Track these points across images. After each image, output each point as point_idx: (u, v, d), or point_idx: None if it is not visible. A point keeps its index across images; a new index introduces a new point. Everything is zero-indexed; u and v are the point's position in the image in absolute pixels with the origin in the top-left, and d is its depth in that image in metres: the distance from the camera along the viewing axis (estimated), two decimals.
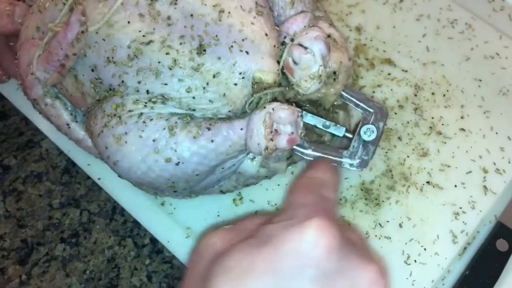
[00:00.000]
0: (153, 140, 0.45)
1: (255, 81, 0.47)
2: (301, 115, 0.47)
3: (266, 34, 0.48)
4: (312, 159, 0.52)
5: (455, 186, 0.56)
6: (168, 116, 0.46)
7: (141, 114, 0.46)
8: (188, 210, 0.54)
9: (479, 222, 0.54)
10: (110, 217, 0.56)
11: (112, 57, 0.46)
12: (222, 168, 0.48)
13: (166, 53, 0.45)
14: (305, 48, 0.49)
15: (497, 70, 0.61)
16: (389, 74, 0.61)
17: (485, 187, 0.55)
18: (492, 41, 0.63)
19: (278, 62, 0.50)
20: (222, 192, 0.53)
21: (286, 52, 0.49)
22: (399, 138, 0.58)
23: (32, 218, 0.56)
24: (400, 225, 0.54)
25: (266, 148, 0.45)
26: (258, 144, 0.45)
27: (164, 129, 0.45)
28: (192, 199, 0.53)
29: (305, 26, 0.50)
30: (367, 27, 0.64)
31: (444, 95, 0.60)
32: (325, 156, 0.52)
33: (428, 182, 0.56)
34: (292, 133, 0.46)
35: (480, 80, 0.61)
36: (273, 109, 0.46)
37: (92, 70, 0.47)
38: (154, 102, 0.46)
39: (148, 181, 0.47)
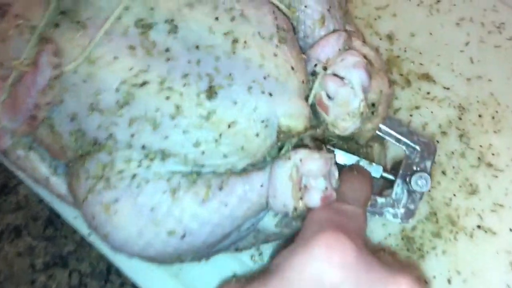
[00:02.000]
0: (151, 209, 0.36)
1: (281, 129, 0.37)
2: (335, 161, 0.38)
3: (293, 68, 0.38)
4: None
5: (510, 230, 0.48)
6: (169, 175, 0.37)
7: (135, 175, 0.37)
8: (197, 270, 0.46)
9: None
10: (104, 278, 0.48)
11: (97, 104, 0.36)
12: (239, 231, 0.39)
13: (166, 98, 0.36)
14: (342, 78, 0.39)
15: None
16: (428, 93, 0.52)
17: None
18: None
19: (307, 98, 0.40)
20: (238, 250, 0.44)
21: (318, 84, 0.40)
22: (443, 173, 0.49)
23: (11, 283, 0.48)
24: (449, 281, 0.46)
25: (295, 209, 0.37)
26: (284, 205, 0.37)
27: (164, 192, 0.36)
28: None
29: (339, 50, 0.40)
30: (399, 35, 0.54)
31: (493, 118, 0.51)
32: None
33: (478, 226, 0.48)
34: (327, 188, 0.37)
35: None
36: (300, 160, 0.36)
37: (72, 120, 0.37)
38: (151, 159, 0.37)
39: (148, 256, 0.38)
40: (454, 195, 0.49)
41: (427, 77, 0.53)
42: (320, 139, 0.43)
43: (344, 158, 0.45)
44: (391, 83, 0.43)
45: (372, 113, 0.42)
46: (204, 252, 0.40)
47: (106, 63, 0.36)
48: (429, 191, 0.44)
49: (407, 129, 0.45)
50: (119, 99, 0.36)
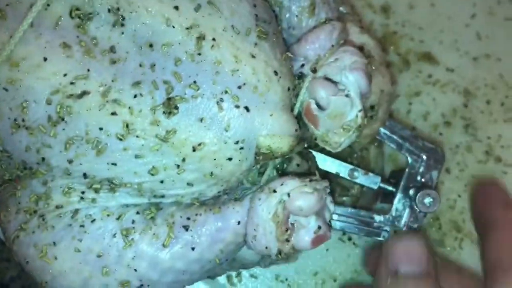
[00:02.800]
0: (98, 255, 0.29)
1: (260, 150, 0.30)
2: (330, 192, 0.31)
3: (276, 72, 0.30)
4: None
5: None
6: (121, 210, 0.30)
7: (76, 211, 0.30)
8: None
9: None
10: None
11: (23, 119, 0.28)
12: (212, 269, 0.33)
13: (112, 113, 0.28)
14: (335, 83, 0.31)
15: None
16: (429, 76, 0.45)
17: None
18: None
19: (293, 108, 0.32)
20: (210, 277, 0.37)
21: (306, 90, 0.32)
22: (447, 171, 0.43)
23: None
24: None
25: (279, 252, 0.30)
26: (267, 248, 0.30)
27: (114, 235, 0.29)
28: None
29: (332, 46, 0.32)
30: (396, 6, 0.46)
31: (502, 104, 0.45)
32: (356, 227, 0.37)
33: None
34: (319, 227, 0.30)
35: None
36: (288, 194, 0.29)
37: None
38: (96, 191, 0.29)
39: None
40: (459, 196, 0.43)
41: (428, 57, 0.45)
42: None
43: (336, 166, 0.38)
44: (394, 78, 0.36)
45: (371, 117, 0.35)
46: None
47: (33, 67, 0.28)
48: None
49: (411, 133, 0.38)
50: (52, 114, 0.28)
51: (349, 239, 0.42)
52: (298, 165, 0.33)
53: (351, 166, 0.37)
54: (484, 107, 0.44)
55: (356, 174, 0.37)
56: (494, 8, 0.46)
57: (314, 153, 0.37)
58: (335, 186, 0.39)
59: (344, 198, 0.40)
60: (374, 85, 0.34)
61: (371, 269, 0.38)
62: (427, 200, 0.36)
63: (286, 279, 0.40)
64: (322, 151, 0.37)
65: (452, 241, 0.42)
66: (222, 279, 0.40)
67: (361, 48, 0.35)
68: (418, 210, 0.37)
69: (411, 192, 0.37)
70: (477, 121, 0.44)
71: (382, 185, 0.38)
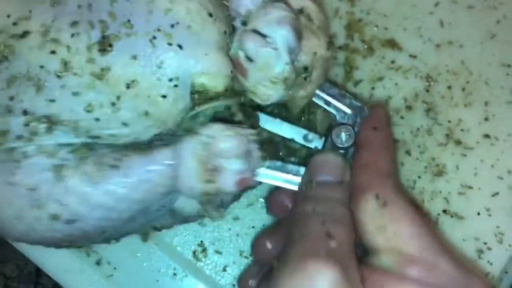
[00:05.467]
0: (30, 189, 0.31)
1: (195, 89, 0.31)
2: (256, 138, 0.33)
3: (211, 14, 0.32)
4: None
5: (478, 213, 0.44)
6: (54, 149, 0.31)
7: (12, 149, 0.31)
8: (133, 269, 0.41)
9: (508, 260, 0.43)
10: (34, 281, 0.42)
11: None
12: (145, 213, 0.34)
13: (51, 52, 0.30)
14: (264, 36, 0.33)
15: None
16: (392, 61, 0.46)
17: None
18: None
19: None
20: (157, 229, 0.39)
21: (236, 42, 0.34)
22: (407, 153, 0.45)
23: None
24: None
25: (204, 193, 0.32)
26: (191, 188, 0.32)
27: (46, 171, 0.31)
28: (138, 255, 0.40)
29: (263, 1, 0.34)
30: None
31: (463, 89, 0.46)
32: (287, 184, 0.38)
33: (444, 211, 0.44)
34: (243, 170, 0.32)
35: (509, 66, 0.47)
36: (212, 137, 0.31)
37: None
38: (33, 133, 0.31)
39: (34, 241, 0.33)
40: (419, 177, 0.44)
41: (392, 43, 0.47)
42: (252, 105, 0.37)
43: (289, 130, 0.39)
44: (332, 45, 0.37)
45: (305, 78, 0.36)
46: (103, 239, 0.35)
47: None
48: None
49: (338, 91, 0.39)
50: None
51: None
52: (240, 121, 0.34)
53: (305, 131, 0.39)
54: (445, 92, 0.46)
55: (310, 138, 0.39)
56: None
57: (270, 117, 0.38)
58: (282, 148, 0.40)
59: (292, 159, 0.41)
60: (308, 47, 0.35)
61: (273, 207, 0.39)
62: (343, 136, 0.37)
63: (250, 255, 0.42)
64: (271, 114, 0.39)
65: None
66: (188, 254, 0.42)
67: (300, 11, 0.36)
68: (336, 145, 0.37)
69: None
70: (438, 106, 0.46)
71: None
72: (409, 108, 0.45)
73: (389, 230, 0.31)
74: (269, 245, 0.37)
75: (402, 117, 0.45)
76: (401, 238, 0.31)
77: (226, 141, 0.32)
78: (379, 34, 0.47)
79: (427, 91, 0.46)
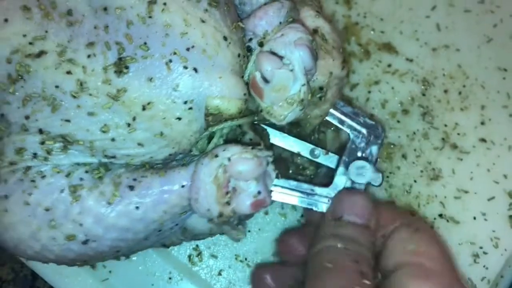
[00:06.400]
0: (46, 209, 0.31)
1: (209, 111, 0.31)
2: (272, 160, 0.33)
3: (225, 38, 0.32)
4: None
5: (474, 218, 0.44)
6: (71, 169, 0.32)
7: (29, 168, 0.31)
8: (129, 273, 0.41)
9: (504, 264, 0.43)
10: (29, 284, 0.43)
11: None
12: (159, 231, 0.34)
13: (67, 72, 0.30)
14: (280, 57, 0.33)
15: None
16: (389, 65, 0.46)
17: (511, 217, 0.44)
18: None
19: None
20: (165, 246, 0.39)
21: (253, 63, 0.34)
22: (404, 156, 0.45)
23: None
24: None
25: (221, 215, 0.32)
26: (208, 210, 0.32)
27: (62, 191, 0.31)
28: (133, 259, 0.40)
29: (280, 23, 0.34)
30: None
31: (460, 93, 0.46)
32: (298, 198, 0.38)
33: (440, 216, 0.44)
34: (259, 192, 0.32)
35: (505, 70, 0.47)
36: (229, 159, 0.31)
37: None
38: (49, 151, 0.31)
39: (48, 260, 0.33)
40: (415, 181, 0.44)
41: (388, 47, 0.47)
42: (263, 123, 0.38)
43: (296, 145, 0.39)
44: (346, 64, 0.37)
45: (320, 98, 0.36)
46: (115, 256, 0.35)
47: None
48: (380, 185, 0.39)
49: (352, 109, 0.40)
50: (11, 73, 0.30)
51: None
52: (251, 139, 0.34)
53: (312, 146, 0.39)
54: (441, 96, 0.46)
55: (316, 153, 0.39)
56: (454, 0, 0.48)
57: (278, 132, 0.39)
58: (291, 165, 0.41)
59: (300, 177, 0.41)
60: (323, 67, 0.35)
61: (283, 250, 0.39)
62: (360, 171, 0.38)
63: (246, 259, 0.42)
64: (282, 131, 0.39)
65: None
66: (183, 258, 0.42)
67: (315, 31, 0.36)
68: (352, 180, 0.38)
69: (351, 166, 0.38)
70: (434, 109, 0.46)
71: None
72: (405, 112, 0.45)
73: (419, 250, 0.32)
74: (296, 244, 0.38)
75: (398, 121, 0.45)
76: (429, 255, 0.32)
77: (244, 163, 0.31)
78: (375, 38, 0.47)
79: (424, 95, 0.46)
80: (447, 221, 0.44)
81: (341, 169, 0.39)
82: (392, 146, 0.45)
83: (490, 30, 0.47)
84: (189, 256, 0.42)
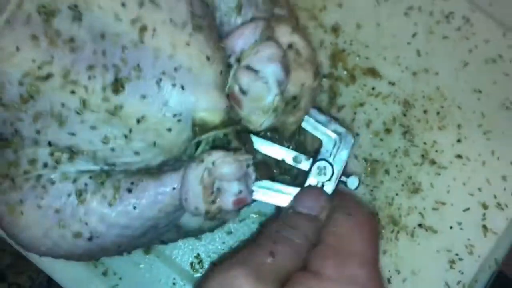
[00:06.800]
0: (56, 211, 0.36)
1: (196, 122, 0.36)
2: (252, 163, 0.38)
3: (208, 58, 0.36)
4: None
5: (451, 227, 0.48)
6: (77, 175, 0.36)
7: (40, 176, 0.36)
8: (137, 279, 0.45)
9: (478, 270, 0.47)
10: None
11: (0, 98, 0.35)
12: (155, 228, 0.39)
13: (71, 92, 0.35)
14: (256, 72, 0.38)
15: (500, 77, 0.51)
16: (373, 88, 0.51)
17: (484, 226, 0.48)
18: (494, 39, 0.52)
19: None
20: (163, 242, 0.43)
21: (232, 77, 0.38)
22: (386, 172, 0.49)
23: None
24: (389, 280, 0.47)
25: (207, 212, 0.36)
26: (196, 208, 0.36)
27: (69, 195, 0.36)
28: (141, 267, 0.44)
29: (256, 41, 0.39)
30: (346, 26, 0.52)
31: (438, 113, 0.50)
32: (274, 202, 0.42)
33: (420, 225, 0.48)
34: (241, 191, 0.37)
35: (480, 92, 0.51)
36: (213, 163, 0.36)
37: None
38: (57, 161, 0.36)
39: (58, 255, 0.38)
40: (397, 194, 0.48)
41: (373, 72, 0.51)
42: (247, 131, 0.42)
43: (278, 151, 0.44)
44: (317, 75, 0.41)
45: (294, 106, 0.41)
46: (117, 252, 0.39)
47: (8, 55, 0.34)
48: (365, 183, 0.42)
49: (326, 117, 0.44)
50: (23, 93, 0.35)
51: None
52: (235, 147, 0.39)
53: (295, 153, 0.43)
54: (421, 116, 0.50)
55: (299, 159, 0.44)
56: (433, 28, 0.52)
57: (263, 140, 0.43)
58: (275, 167, 0.45)
59: (285, 177, 0.45)
60: (296, 78, 0.40)
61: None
62: (321, 171, 0.42)
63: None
64: (264, 137, 0.43)
65: (389, 233, 0.48)
66: (186, 265, 0.46)
67: (290, 46, 0.41)
68: (323, 183, 0.42)
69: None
70: (415, 129, 0.50)
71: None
72: (388, 131, 0.50)
73: (336, 231, 0.36)
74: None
75: (381, 139, 0.49)
76: (344, 238, 0.35)
77: (226, 166, 0.36)
78: (360, 63, 0.51)
79: (405, 115, 0.50)
80: (426, 230, 0.48)
81: (313, 171, 0.43)
82: (375, 162, 0.49)
83: (466, 55, 0.52)
84: (191, 264, 0.46)
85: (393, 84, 0.51)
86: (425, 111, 0.50)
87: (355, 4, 0.52)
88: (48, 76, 0.34)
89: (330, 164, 0.43)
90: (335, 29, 0.52)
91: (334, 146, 0.43)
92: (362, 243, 0.35)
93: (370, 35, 0.52)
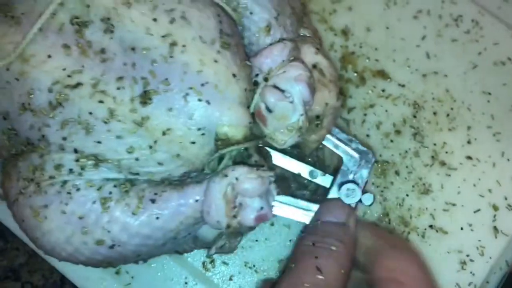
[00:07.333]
0: (80, 217, 0.36)
1: (219, 137, 0.36)
2: (274, 180, 0.38)
3: (234, 75, 0.37)
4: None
5: (461, 228, 0.48)
6: (101, 183, 0.36)
7: (65, 182, 0.36)
8: (149, 278, 0.46)
9: (489, 271, 0.47)
10: None
11: (29, 103, 0.36)
12: (175, 239, 0.39)
13: (99, 101, 0.35)
14: (282, 91, 0.38)
15: (509, 79, 0.52)
16: (383, 90, 0.51)
17: (495, 228, 0.48)
18: (503, 41, 0.53)
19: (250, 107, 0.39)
20: (179, 252, 0.44)
21: (258, 95, 0.39)
22: (397, 173, 0.49)
23: None
24: None
25: (228, 226, 0.36)
26: (218, 222, 0.37)
27: (94, 202, 0.36)
28: (153, 266, 0.45)
29: (283, 61, 0.39)
30: (355, 30, 0.52)
31: (448, 115, 0.51)
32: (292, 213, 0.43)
33: (431, 226, 0.48)
34: (262, 208, 0.37)
35: (489, 94, 0.51)
36: (236, 178, 0.36)
37: (4, 118, 0.37)
38: (82, 168, 0.36)
39: (78, 261, 0.38)
40: (407, 195, 0.49)
41: (382, 74, 0.51)
42: (267, 145, 0.42)
43: (297, 166, 0.44)
44: (340, 95, 0.42)
45: (317, 125, 0.41)
46: (136, 260, 0.40)
47: (40, 62, 0.35)
48: (375, 184, 0.43)
49: (347, 136, 0.44)
50: (52, 100, 0.35)
51: None
52: (256, 161, 0.39)
53: (311, 168, 0.44)
54: (431, 117, 0.51)
55: (315, 174, 0.44)
56: (442, 31, 0.53)
57: (281, 154, 0.44)
58: (294, 183, 0.45)
59: (300, 193, 0.46)
60: (320, 98, 0.40)
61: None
62: (350, 194, 0.43)
63: (254, 266, 0.46)
64: (284, 152, 0.44)
65: (400, 235, 0.48)
66: (198, 265, 0.46)
67: (314, 66, 0.41)
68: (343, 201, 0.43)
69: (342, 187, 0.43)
70: (424, 130, 0.50)
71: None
72: (398, 132, 0.50)
73: (396, 267, 0.36)
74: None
75: (391, 141, 0.50)
76: (407, 273, 0.35)
77: (250, 182, 0.36)
78: (370, 66, 0.52)
79: (415, 117, 0.50)
80: (437, 231, 0.48)
81: (334, 189, 0.43)
82: (386, 163, 0.49)
83: (475, 57, 0.52)
84: (203, 263, 0.46)
85: (402, 86, 0.51)
86: (434, 113, 0.51)
87: (365, 8, 0.53)
88: (78, 85, 0.35)
89: (358, 185, 0.43)
90: (345, 32, 0.52)
91: (354, 165, 0.44)
92: (420, 274, 0.36)
93: (380, 38, 0.52)
